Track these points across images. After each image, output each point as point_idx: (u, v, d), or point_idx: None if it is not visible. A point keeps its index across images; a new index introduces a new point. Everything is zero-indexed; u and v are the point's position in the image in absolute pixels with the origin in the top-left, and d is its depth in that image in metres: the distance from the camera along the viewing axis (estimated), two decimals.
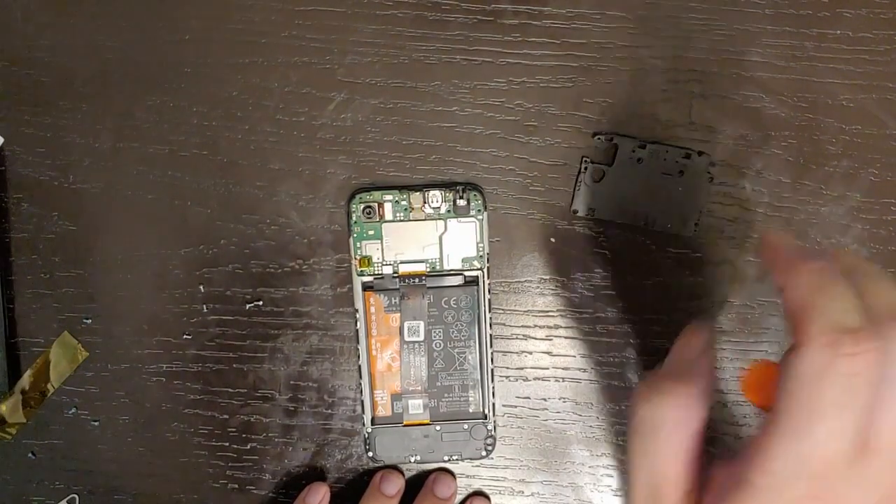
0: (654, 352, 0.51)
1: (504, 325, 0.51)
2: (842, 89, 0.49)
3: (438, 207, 0.48)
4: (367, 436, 0.50)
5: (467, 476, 0.52)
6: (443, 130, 0.50)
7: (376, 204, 0.48)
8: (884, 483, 0.27)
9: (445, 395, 0.50)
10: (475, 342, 0.50)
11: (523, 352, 0.51)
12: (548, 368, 0.51)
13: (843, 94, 0.49)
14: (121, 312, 0.50)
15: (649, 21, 0.49)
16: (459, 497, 0.52)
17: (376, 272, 0.49)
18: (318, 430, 0.51)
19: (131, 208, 0.50)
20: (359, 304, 0.49)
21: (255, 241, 0.50)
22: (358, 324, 0.49)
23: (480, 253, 0.49)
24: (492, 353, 0.50)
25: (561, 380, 0.51)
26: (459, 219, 0.49)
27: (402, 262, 0.49)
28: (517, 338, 0.51)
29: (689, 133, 0.50)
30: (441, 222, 0.49)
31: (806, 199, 0.50)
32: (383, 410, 0.50)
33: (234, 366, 0.51)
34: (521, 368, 0.51)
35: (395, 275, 0.49)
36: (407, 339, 0.49)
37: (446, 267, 0.49)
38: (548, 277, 0.51)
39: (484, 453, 0.50)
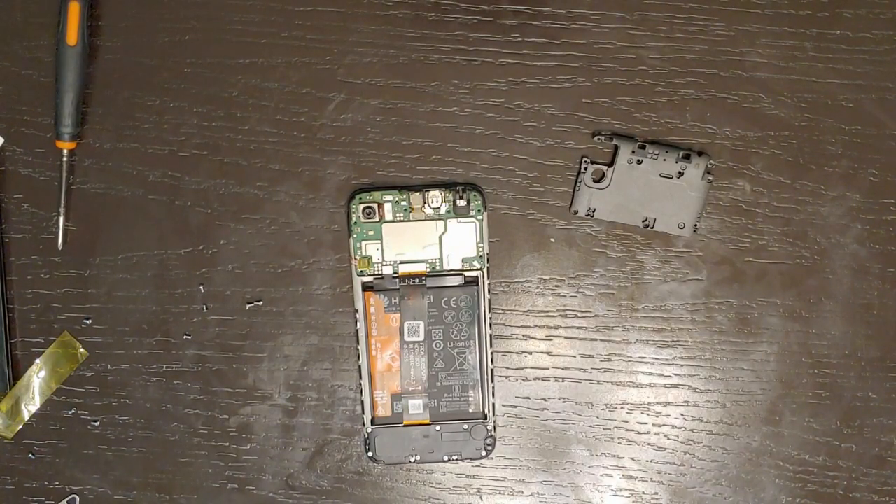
0: (654, 352, 0.51)
1: (504, 325, 0.51)
2: (842, 89, 0.49)
3: (438, 208, 0.48)
4: (367, 436, 0.50)
5: (467, 476, 0.52)
6: (443, 130, 0.50)
7: (376, 204, 0.48)
8: None
9: (445, 395, 0.50)
10: (475, 342, 0.49)
11: (523, 352, 0.51)
12: (548, 368, 0.51)
13: (843, 94, 0.49)
14: (121, 312, 0.50)
15: (649, 21, 0.49)
16: (459, 497, 0.52)
17: (376, 272, 0.49)
18: (318, 430, 0.51)
19: (131, 208, 0.50)
20: (359, 304, 0.49)
21: (255, 241, 0.50)
22: (358, 324, 0.49)
23: (480, 253, 0.49)
24: (492, 354, 0.50)
25: (561, 380, 0.51)
26: (459, 219, 0.49)
27: (402, 263, 0.49)
28: (517, 338, 0.51)
29: (689, 133, 0.50)
30: (441, 222, 0.49)
31: (806, 199, 0.50)
32: (383, 410, 0.50)
33: (234, 366, 0.51)
34: (521, 368, 0.51)
35: (395, 275, 0.49)
36: (407, 339, 0.49)
37: (446, 267, 0.49)
38: (548, 277, 0.51)
39: (484, 453, 0.50)
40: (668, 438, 0.51)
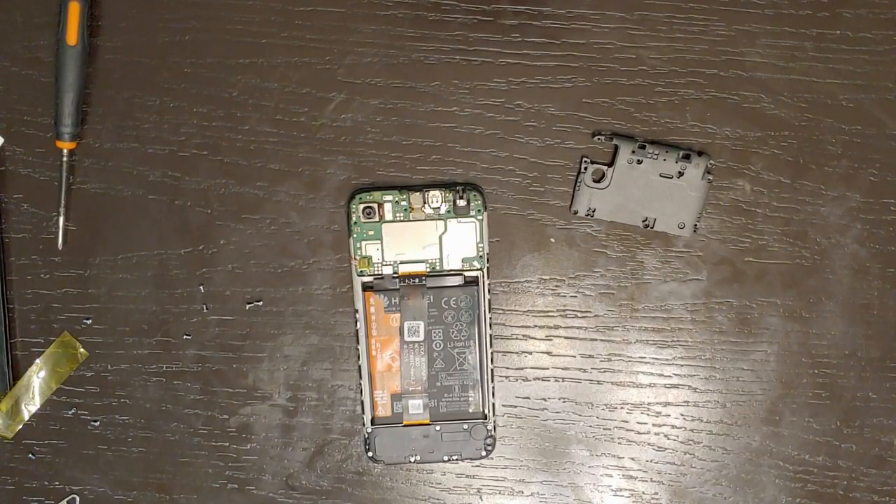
0: (654, 352, 0.51)
1: (504, 325, 0.51)
2: (842, 89, 0.49)
3: (438, 207, 0.48)
4: (367, 436, 0.50)
5: (467, 476, 0.52)
6: (443, 130, 0.50)
7: (376, 204, 0.48)
8: None
9: (445, 395, 0.50)
10: (475, 342, 0.49)
11: (523, 352, 0.51)
12: (548, 368, 0.51)
13: (843, 94, 0.49)
14: (121, 312, 0.50)
15: (649, 21, 0.49)
16: (459, 497, 0.52)
17: (376, 272, 0.49)
18: (318, 430, 0.51)
19: (131, 208, 0.50)
20: (359, 304, 0.49)
21: (255, 241, 0.50)
22: (358, 324, 0.49)
23: (480, 253, 0.49)
24: (492, 354, 0.50)
25: (561, 380, 0.51)
26: (459, 219, 0.49)
27: (402, 262, 0.49)
28: (517, 338, 0.51)
29: (689, 133, 0.50)
30: (441, 222, 0.49)
31: (806, 199, 0.50)
32: (383, 410, 0.50)
33: (234, 366, 0.51)
34: (521, 368, 0.51)
35: (395, 275, 0.49)
36: (407, 339, 0.49)
37: (446, 267, 0.49)
38: (548, 277, 0.51)
39: (484, 453, 0.50)
40: (668, 438, 0.51)
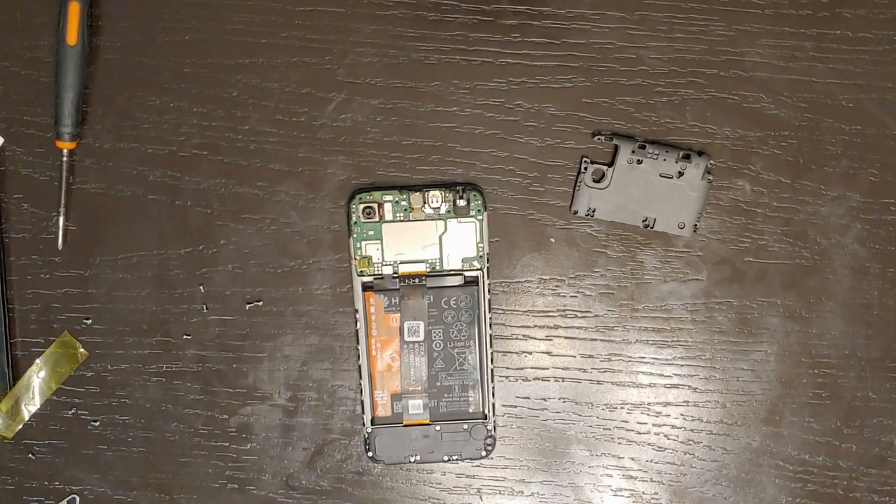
0: (654, 352, 0.51)
1: (504, 325, 0.51)
2: (842, 89, 0.49)
3: (438, 207, 0.48)
4: (367, 436, 0.50)
5: (467, 476, 0.52)
6: (443, 130, 0.50)
7: (376, 204, 0.48)
8: None
9: (445, 395, 0.50)
10: (475, 342, 0.49)
11: (523, 352, 0.51)
12: (548, 368, 0.51)
13: (843, 94, 0.49)
14: (121, 312, 0.50)
15: (649, 21, 0.49)
16: (459, 497, 0.52)
17: (376, 272, 0.49)
18: (318, 430, 0.51)
19: (131, 208, 0.50)
20: (359, 304, 0.49)
21: (255, 241, 0.50)
22: (358, 324, 0.49)
23: (480, 253, 0.49)
24: (492, 354, 0.50)
25: (561, 380, 0.51)
26: (459, 219, 0.49)
27: (402, 262, 0.49)
28: (517, 338, 0.51)
29: (688, 133, 0.50)
30: (441, 222, 0.49)
31: (806, 199, 0.50)
32: (383, 410, 0.50)
33: (234, 366, 0.51)
34: (521, 368, 0.51)
35: (395, 275, 0.49)
36: (407, 339, 0.49)
37: (446, 267, 0.49)
38: (548, 277, 0.51)
39: (484, 453, 0.50)
40: (668, 438, 0.51)
